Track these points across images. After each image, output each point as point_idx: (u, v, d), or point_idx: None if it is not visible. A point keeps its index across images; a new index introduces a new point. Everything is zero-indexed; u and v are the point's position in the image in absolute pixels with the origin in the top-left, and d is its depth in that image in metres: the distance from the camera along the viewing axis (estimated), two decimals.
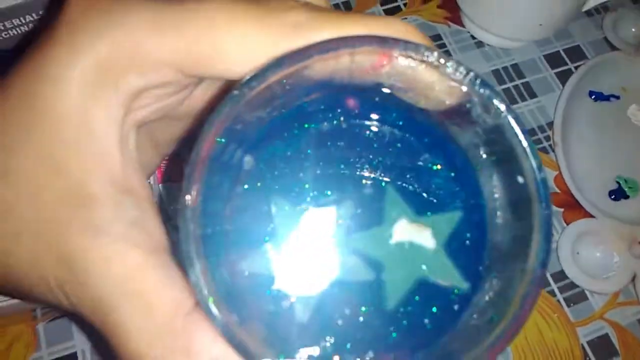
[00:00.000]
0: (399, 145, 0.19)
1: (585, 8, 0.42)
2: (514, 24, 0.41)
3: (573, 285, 0.37)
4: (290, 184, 0.18)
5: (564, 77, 0.44)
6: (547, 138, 0.42)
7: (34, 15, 0.36)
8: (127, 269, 0.16)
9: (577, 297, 0.36)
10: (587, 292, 0.37)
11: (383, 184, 0.18)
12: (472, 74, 0.16)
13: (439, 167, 0.19)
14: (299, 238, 0.17)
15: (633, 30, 0.45)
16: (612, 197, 0.39)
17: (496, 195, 0.18)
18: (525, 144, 0.16)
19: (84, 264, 0.16)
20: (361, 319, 0.17)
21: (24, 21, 0.36)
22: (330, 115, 0.19)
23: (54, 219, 0.16)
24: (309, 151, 0.19)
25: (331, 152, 0.19)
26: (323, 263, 0.17)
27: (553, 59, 0.45)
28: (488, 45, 0.45)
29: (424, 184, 0.19)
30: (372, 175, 0.19)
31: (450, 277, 0.17)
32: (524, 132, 0.16)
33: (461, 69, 0.16)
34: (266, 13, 0.16)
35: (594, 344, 0.35)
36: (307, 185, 0.18)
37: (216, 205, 0.16)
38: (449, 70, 0.16)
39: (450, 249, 0.18)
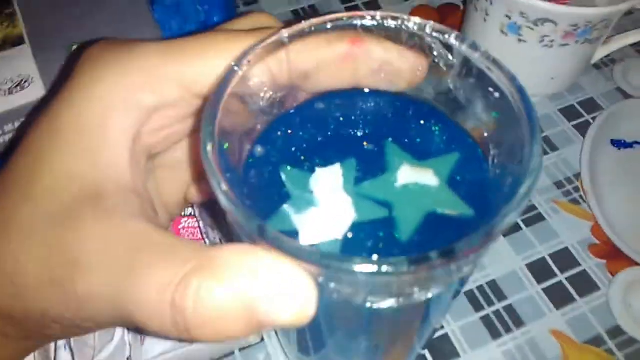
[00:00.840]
0: (391, 111, 0.23)
1: (594, 60, 0.43)
2: (526, 78, 0.41)
3: (631, 341, 0.34)
4: (297, 155, 0.21)
5: (582, 128, 0.43)
6: (577, 189, 0.40)
7: (15, 123, 0.37)
8: (134, 230, 0.17)
9: (638, 354, 0.33)
10: None
11: (383, 140, 0.21)
12: (428, 24, 0.20)
13: (428, 122, 0.22)
14: (311, 195, 0.20)
15: None
16: None
17: (485, 134, 0.21)
18: (485, 58, 0.19)
19: (92, 240, 0.16)
20: (381, 251, 0.19)
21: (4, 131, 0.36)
22: (323, 98, 0.23)
23: (69, 214, 0.17)
24: (308, 125, 0.22)
25: (331, 123, 0.22)
26: (338, 211, 0.19)
27: (568, 113, 0.45)
28: None
29: (419, 137, 0.22)
30: (372, 136, 0.22)
31: (456, 206, 0.20)
32: (478, 48, 0.19)
33: (416, 20, 0.20)
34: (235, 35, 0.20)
35: None
36: (311, 152, 0.21)
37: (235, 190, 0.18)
38: (411, 26, 0.20)
39: (453, 184, 0.20)
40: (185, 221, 0.35)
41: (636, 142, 0.43)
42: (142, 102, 0.19)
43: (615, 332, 0.34)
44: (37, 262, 0.17)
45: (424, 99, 0.23)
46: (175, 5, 0.45)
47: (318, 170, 0.20)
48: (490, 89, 0.19)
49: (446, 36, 0.20)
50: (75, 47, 0.38)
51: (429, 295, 0.17)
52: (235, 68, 0.19)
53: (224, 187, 0.16)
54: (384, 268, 0.14)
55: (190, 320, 0.15)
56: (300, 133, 0.22)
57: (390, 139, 0.22)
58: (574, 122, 0.44)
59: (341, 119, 0.22)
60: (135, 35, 0.39)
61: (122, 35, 0.39)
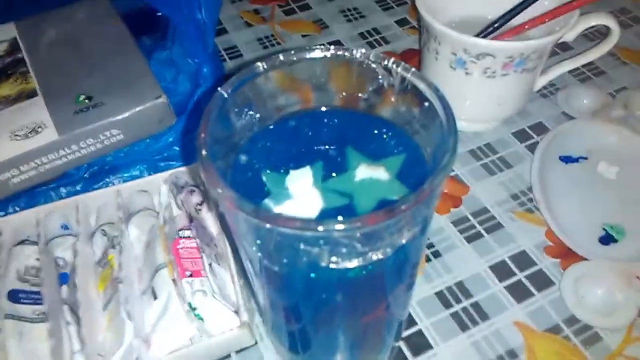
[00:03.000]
0: (350, 124, 0.28)
1: (536, 88, 0.49)
2: (476, 106, 0.47)
3: (586, 328, 0.38)
4: (275, 162, 0.26)
5: (533, 148, 0.49)
6: (530, 200, 0.46)
7: (30, 164, 0.41)
8: None
9: (592, 339, 0.37)
10: (600, 333, 0.38)
11: (344, 147, 0.27)
12: (372, 52, 0.26)
13: (380, 131, 0.27)
14: (287, 191, 0.25)
15: (585, 102, 0.52)
16: (602, 242, 0.42)
17: (423, 137, 0.26)
18: (415, 76, 0.25)
19: None
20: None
21: None
22: (293, 116, 0.28)
23: None
24: (283, 138, 0.28)
25: (301, 135, 0.28)
26: (309, 202, 0.24)
27: (520, 135, 0.51)
28: (460, 131, 0.50)
29: (373, 143, 0.27)
30: (335, 144, 0.27)
31: (402, 193, 0.25)
32: (409, 69, 0.25)
33: (362, 50, 0.26)
34: None
35: None
36: (286, 159, 0.26)
37: None
38: (358, 55, 0.26)
39: (401, 177, 0.25)
40: (183, 242, 0.39)
41: (581, 157, 0.48)
42: None
43: (571, 320, 0.38)
44: None
45: (375, 113, 0.28)
46: (169, 59, 0.51)
47: (292, 172, 0.25)
48: (421, 99, 0.25)
49: (386, 62, 0.26)
50: (82, 97, 0.44)
51: (381, 256, 0.22)
52: (222, 92, 0.24)
53: (221, 182, 0.21)
54: (340, 224, 0.19)
55: None
56: (277, 144, 0.27)
57: (350, 146, 0.27)
58: (525, 143, 0.50)
59: (309, 132, 0.28)
60: (135, 85, 0.45)
61: (124, 86, 0.45)
